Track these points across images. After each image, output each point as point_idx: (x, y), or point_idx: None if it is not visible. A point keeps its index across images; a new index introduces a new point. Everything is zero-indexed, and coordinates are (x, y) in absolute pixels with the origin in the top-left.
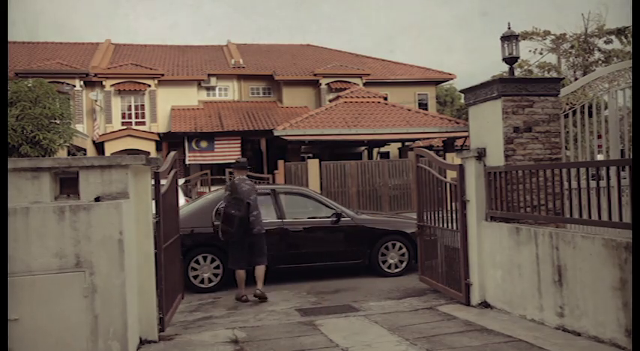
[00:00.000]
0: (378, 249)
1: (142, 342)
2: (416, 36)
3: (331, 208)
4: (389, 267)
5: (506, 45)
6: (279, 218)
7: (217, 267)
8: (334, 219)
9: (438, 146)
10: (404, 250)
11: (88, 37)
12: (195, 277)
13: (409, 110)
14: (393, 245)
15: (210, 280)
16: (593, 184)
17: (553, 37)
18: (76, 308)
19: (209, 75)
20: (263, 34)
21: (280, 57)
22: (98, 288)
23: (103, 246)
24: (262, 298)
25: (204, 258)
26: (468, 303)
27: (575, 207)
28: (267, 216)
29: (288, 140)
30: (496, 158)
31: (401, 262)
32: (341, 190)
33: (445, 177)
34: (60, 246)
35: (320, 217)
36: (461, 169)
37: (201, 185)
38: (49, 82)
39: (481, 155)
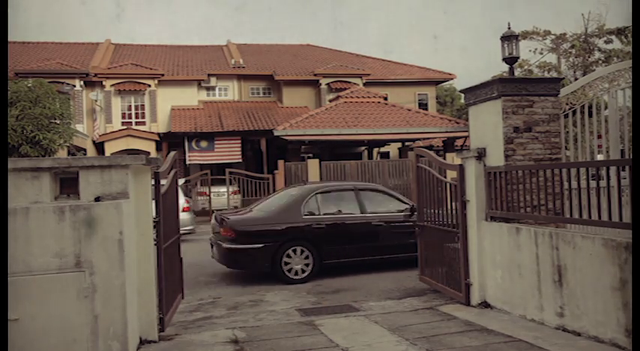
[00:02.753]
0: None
1: (142, 342)
2: (416, 36)
3: (405, 203)
4: None
5: (506, 45)
6: (361, 212)
7: (307, 257)
8: (408, 213)
9: (438, 146)
10: None
11: (88, 37)
12: (289, 270)
13: (409, 110)
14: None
15: (303, 271)
16: (593, 184)
17: (553, 37)
18: (76, 308)
19: (209, 75)
20: (263, 34)
21: (280, 57)
22: (98, 288)
23: (103, 246)
24: None
25: (294, 251)
26: (468, 303)
27: (575, 207)
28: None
29: (289, 140)
30: (496, 158)
31: None
32: None
33: (445, 177)
34: (60, 246)
35: (395, 212)
36: (461, 169)
37: (202, 185)
38: (49, 82)
39: (481, 155)
